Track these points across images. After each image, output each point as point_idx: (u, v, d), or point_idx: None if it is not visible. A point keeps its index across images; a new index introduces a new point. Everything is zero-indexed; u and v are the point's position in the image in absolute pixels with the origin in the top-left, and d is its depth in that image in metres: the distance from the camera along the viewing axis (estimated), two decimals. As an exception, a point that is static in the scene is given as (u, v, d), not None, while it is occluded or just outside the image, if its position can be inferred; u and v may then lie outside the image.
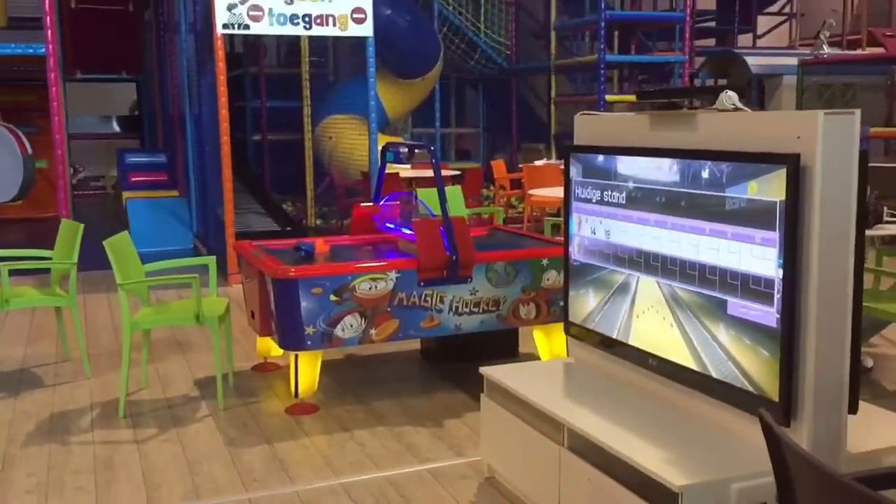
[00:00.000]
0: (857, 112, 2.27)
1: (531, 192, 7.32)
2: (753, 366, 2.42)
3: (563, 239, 3.34)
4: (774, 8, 17.11)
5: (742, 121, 2.53)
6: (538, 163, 10.03)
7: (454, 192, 5.32)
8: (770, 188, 2.32)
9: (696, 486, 2.26)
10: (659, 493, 2.33)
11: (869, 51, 14.80)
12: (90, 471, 3.47)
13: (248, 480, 3.37)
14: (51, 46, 7.61)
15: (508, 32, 13.08)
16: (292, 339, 4.03)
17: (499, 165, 10.14)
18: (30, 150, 9.23)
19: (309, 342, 4.00)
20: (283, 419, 4.05)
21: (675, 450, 2.47)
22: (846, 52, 14.66)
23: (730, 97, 2.61)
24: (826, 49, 12.22)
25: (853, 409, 2.38)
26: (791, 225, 2.27)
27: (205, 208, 8.77)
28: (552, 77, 12.32)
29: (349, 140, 10.38)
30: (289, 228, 9.68)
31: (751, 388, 2.43)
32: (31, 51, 8.32)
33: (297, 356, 4.08)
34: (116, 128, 15.55)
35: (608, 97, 11.16)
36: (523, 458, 3.05)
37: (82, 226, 4.65)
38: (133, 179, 10.27)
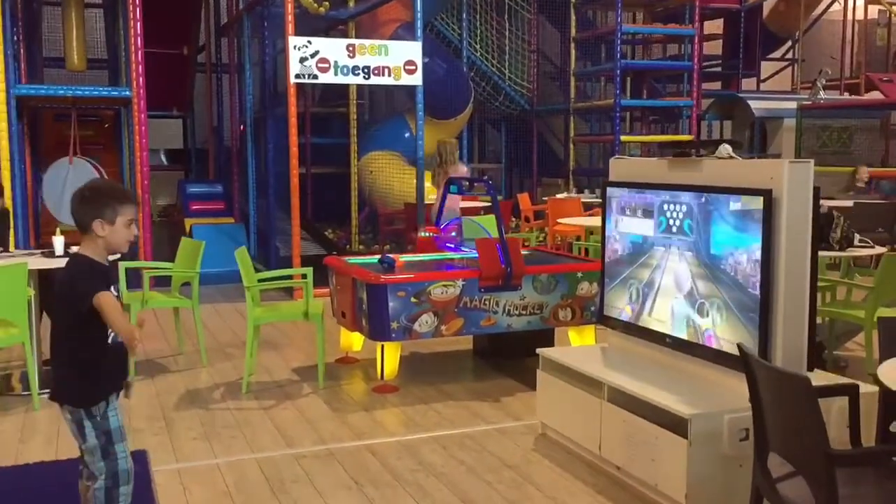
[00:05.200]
0: (811, 161, 3.36)
1: (560, 220, 8.39)
2: (739, 336, 3.46)
3: (590, 257, 4.39)
4: (777, 53, 18.34)
5: (734, 165, 3.60)
6: (560, 196, 11.11)
7: (490, 220, 6.42)
8: (753, 210, 3.38)
9: (700, 415, 3.29)
10: (675, 423, 3.36)
11: (867, 95, 15.94)
12: (235, 426, 4.52)
13: (359, 433, 4.41)
14: (141, 91, 8.74)
15: (530, 76, 14.24)
16: (380, 332, 5.07)
17: (524, 198, 11.22)
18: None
19: (393, 335, 5.05)
20: (373, 396, 5.09)
21: (685, 395, 3.50)
22: (841, 97, 15.76)
23: (726, 148, 3.69)
24: (822, 95, 13.34)
25: (810, 368, 3.42)
26: (767, 233, 3.32)
27: (266, 233, 9.86)
28: (571, 118, 13.45)
29: (388, 174, 11.50)
30: (334, 252, 10.75)
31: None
32: (115, 93, 9.52)
33: (383, 346, 5.14)
34: (164, 160, 16.69)
35: (623, 137, 12.26)
36: (572, 413, 4.08)
37: (204, 243, 5.73)
38: (193, 207, 11.36)
